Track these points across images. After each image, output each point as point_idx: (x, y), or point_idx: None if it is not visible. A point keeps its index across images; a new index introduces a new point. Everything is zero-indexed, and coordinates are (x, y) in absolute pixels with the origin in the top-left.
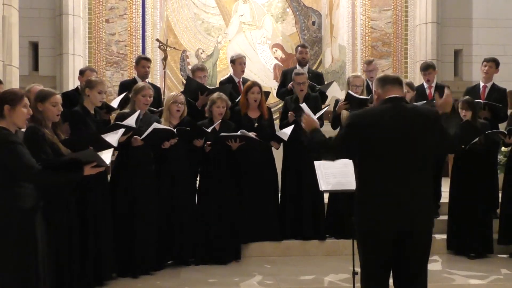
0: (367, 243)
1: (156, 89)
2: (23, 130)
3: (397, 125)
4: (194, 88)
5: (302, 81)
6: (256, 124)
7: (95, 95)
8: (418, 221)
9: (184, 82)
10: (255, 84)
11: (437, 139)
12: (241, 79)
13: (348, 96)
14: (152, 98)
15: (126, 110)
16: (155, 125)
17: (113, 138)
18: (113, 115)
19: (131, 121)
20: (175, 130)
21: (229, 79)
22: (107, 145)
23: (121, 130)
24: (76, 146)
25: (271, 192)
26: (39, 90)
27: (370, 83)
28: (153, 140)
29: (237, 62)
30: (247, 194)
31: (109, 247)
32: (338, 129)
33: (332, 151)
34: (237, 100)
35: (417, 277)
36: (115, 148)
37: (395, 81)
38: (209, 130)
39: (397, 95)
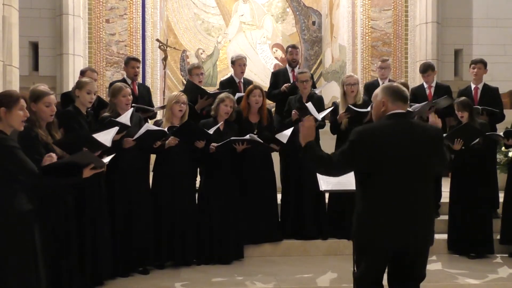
0: (368, 257)
1: (146, 89)
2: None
3: (404, 143)
4: (193, 91)
5: (305, 79)
6: (256, 130)
7: (84, 95)
8: (421, 239)
9: (184, 81)
10: (256, 87)
11: (439, 158)
12: (242, 80)
13: (348, 109)
14: (131, 96)
15: (107, 114)
16: (147, 126)
17: (106, 137)
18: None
19: (125, 118)
20: (166, 129)
21: (230, 80)
22: (100, 146)
23: (114, 129)
24: (69, 147)
25: (270, 192)
26: (33, 90)
27: (381, 82)
28: (145, 141)
29: (237, 63)
30: (246, 194)
31: (108, 247)
32: (336, 135)
33: (336, 169)
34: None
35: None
36: (111, 150)
37: (405, 99)
38: (211, 132)
39: (402, 111)
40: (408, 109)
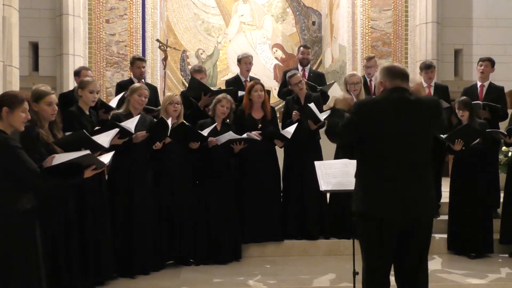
0: (372, 231)
1: (153, 89)
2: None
3: (401, 115)
4: (197, 88)
5: (297, 81)
6: (260, 125)
7: (87, 95)
8: (423, 209)
9: (184, 82)
10: (257, 82)
11: (437, 126)
12: (248, 79)
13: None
14: (147, 99)
15: (120, 111)
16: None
17: (104, 139)
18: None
19: (131, 124)
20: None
21: (236, 79)
22: (98, 146)
23: (114, 131)
24: (68, 146)
25: (274, 192)
26: (34, 90)
27: (368, 79)
28: (154, 134)
29: (243, 62)
30: (250, 194)
31: (109, 247)
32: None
33: (338, 136)
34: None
35: (419, 268)
36: (111, 148)
37: (404, 76)
38: (205, 133)
39: (401, 86)
40: None
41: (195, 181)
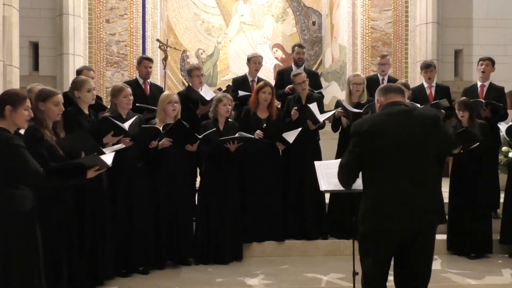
0: (371, 242)
1: (159, 89)
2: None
3: (398, 127)
4: (195, 99)
5: (301, 80)
6: (265, 124)
7: (85, 94)
8: (429, 219)
9: (184, 82)
10: (267, 84)
11: (439, 139)
12: (256, 79)
13: (344, 107)
14: (132, 97)
15: (107, 114)
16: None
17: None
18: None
19: (126, 124)
20: (161, 129)
21: (243, 78)
22: (97, 150)
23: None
24: (69, 146)
25: (275, 192)
26: (41, 89)
27: (380, 78)
28: (141, 139)
29: (252, 61)
30: (251, 194)
31: (109, 247)
32: (338, 131)
33: (346, 167)
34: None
35: (423, 274)
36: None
37: (397, 90)
38: (200, 136)
39: (395, 100)
40: None
41: (195, 180)
